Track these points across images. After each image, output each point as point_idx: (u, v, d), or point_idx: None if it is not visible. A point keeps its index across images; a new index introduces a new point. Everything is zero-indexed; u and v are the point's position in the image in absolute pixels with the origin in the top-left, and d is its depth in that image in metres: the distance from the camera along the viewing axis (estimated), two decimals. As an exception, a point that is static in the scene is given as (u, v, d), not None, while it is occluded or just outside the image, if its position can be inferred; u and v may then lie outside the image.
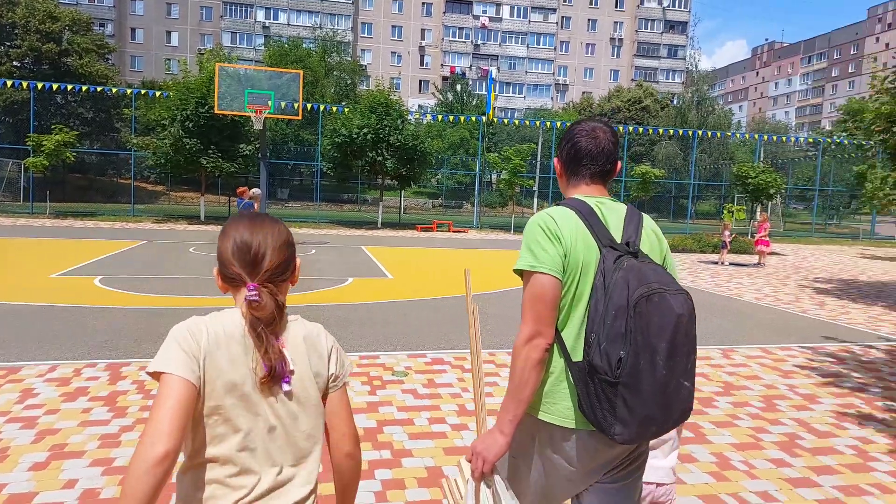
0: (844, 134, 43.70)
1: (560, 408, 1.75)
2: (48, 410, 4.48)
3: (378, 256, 15.48)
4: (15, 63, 37.62)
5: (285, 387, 1.38)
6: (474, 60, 67.58)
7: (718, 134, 36.11)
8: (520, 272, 1.77)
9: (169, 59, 55.83)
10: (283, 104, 19.36)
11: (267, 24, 60.89)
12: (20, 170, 29.34)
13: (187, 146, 23.26)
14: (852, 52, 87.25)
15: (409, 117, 27.44)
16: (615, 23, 70.68)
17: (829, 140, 33.31)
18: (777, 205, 30.26)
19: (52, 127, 25.85)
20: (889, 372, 6.31)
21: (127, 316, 7.58)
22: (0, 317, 7.28)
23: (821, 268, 16.22)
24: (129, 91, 31.08)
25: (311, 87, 39.16)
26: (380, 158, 24.75)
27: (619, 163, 1.99)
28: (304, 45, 46.95)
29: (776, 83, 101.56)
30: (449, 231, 25.61)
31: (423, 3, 66.18)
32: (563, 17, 69.22)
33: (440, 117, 35.72)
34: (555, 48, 69.53)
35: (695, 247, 19.44)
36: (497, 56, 68.02)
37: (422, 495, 3.42)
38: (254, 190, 13.40)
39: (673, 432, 2.45)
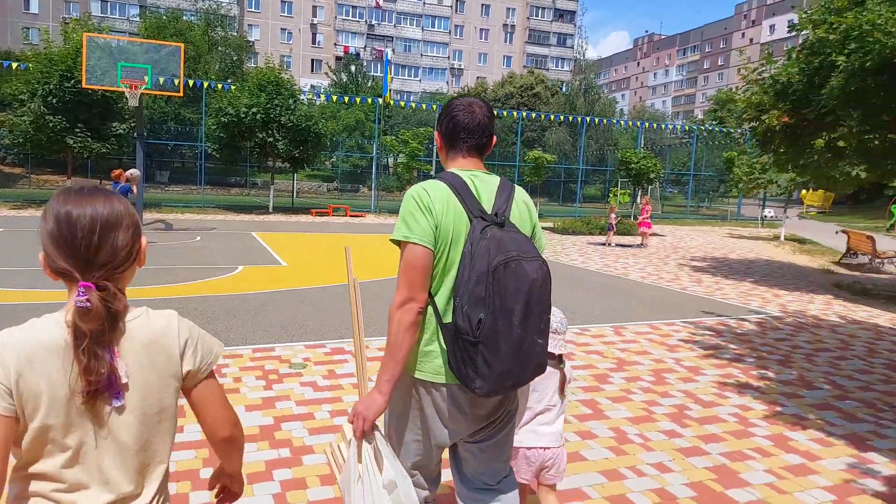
0: (714, 122, 47.46)
1: (433, 365, 1.92)
2: None
3: (270, 243, 14.80)
4: None
5: (116, 402, 1.23)
6: (369, 41, 66.40)
7: (605, 121, 37.92)
8: (397, 242, 1.90)
9: (27, 28, 50.20)
10: (161, 80, 17.93)
11: (142, -7, 56.26)
12: None
13: (50, 124, 21.00)
14: (722, 46, 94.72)
15: (302, 97, 26.41)
16: (507, 9, 72.04)
17: (701, 128, 35.98)
18: (656, 189, 32.30)
19: None
20: (761, 343, 6.85)
21: (-22, 314, 6.68)
22: None
23: (696, 247, 17.50)
24: (-23, 61, 27.53)
25: (193, 63, 36.65)
26: (270, 140, 23.65)
27: (495, 137, 2.10)
28: (184, 18, 43.82)
29: (655, 74, 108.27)
30: (346, 216, 25.07)
31: (315, -21, 64.00)
32: (457, 0, 69.54)
33: (334, 98, 34.75)
34: (450, 32, 69.78)
35: (584, 229, 20.31)
36: (392, 37, 67.23)
37: (325, 494, 3.23)
38: (130, 171, 12.32)
39: (557, 399, 2.67)
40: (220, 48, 44.91)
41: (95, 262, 1.21)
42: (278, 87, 23.91)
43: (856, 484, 3.63)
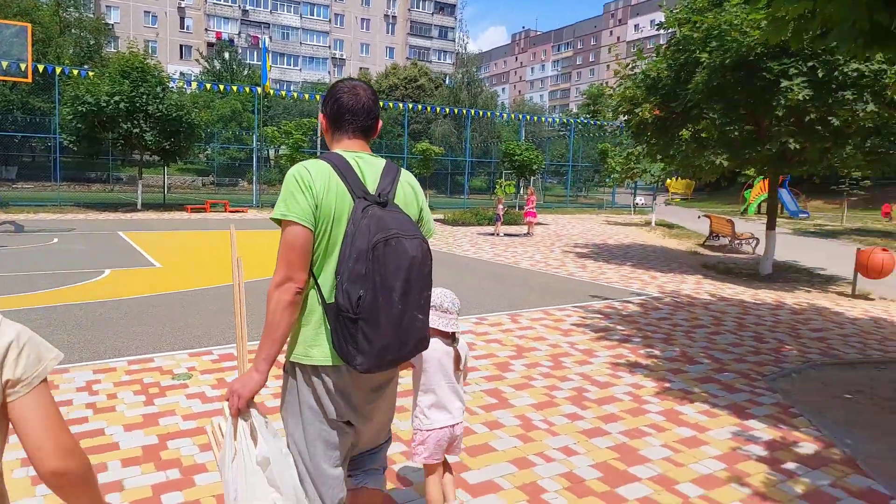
0: (588, 116, 50.11)
1: (320, 349, 1.92)
2: None
3: (141, 243, 13.63)
4: None
5: None
6: (243, 27, 63.26)
7: (489, 114, 38.83)
8: (277, 221, 1.88)
9: None
10: (4, 64, 15.89)
11: (-26, -35, 49.67)
12: None
13: None
14: (592, 43, 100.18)
15: (172, 85, 24.55)
16: None
17: (578, 121, 37.84)
18: (538, 180, 33.62)
19: None
20: (645, 323, 7.25)
21: None
22: None
23: (577, 234, 18.36)
24: None
25: (42, 46, 32.99)
26: (136, 131, 21.77)
27: (381, 121, 2.13)
28: (29, -5, 39.26)
29: (532, 68, 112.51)
30: (225, 211, 23.73)
31: (181, -41, 59.86)
32: (336, -12, 68.06)
33: (208, 86, 32.72)
34: (329, 20, 68.14)
35: (473, 220, 20.66)
36: (269, 24, 64.51)
37: (222, 517, 2.94)
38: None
39: (454, 380, 2.72)
40: (73, 30, 40.75)
41: None
42: (144, 74, 22.05)
43: (741, 451, 3.89)
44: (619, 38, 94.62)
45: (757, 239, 14.57)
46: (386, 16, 71.73)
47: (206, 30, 61.47)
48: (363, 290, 1.78)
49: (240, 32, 62.72)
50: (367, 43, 71.31)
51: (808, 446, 3.98)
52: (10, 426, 1.19)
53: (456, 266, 11.43)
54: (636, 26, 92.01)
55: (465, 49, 58.77)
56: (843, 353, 6.13)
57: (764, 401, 4.78)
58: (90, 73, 23.14)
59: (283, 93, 31.57)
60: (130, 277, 9.27)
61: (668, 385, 5.08)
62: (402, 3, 72.38)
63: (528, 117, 39.33)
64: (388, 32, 72.47)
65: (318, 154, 28.42)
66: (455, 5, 76.00)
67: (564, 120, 41.76)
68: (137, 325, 6.43)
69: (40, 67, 22.32)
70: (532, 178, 28.28)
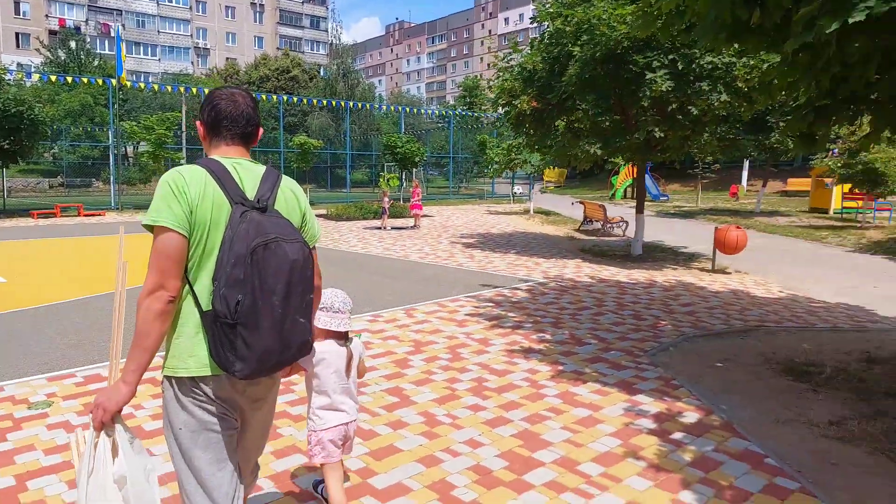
0: (465, 108, 51.03)
1: (196, 360, 1.87)
2: None
3: (-17, 254, 12.01)
4: None
5: None
6: (91, 14, 57.73)
7: (367, 106, 38.31)
8: (149, 227, 1.83)
9: None
10: None
11: None
12: None
13: None
14: (465, 36, 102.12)
15: (8, 77, 21.82)
16: (254, -13, 68.42)
17: (456, 113, 38.42)
18: (420, 172, 33.79)
19: None
20: (534, 308, 7.47)
21: None
22: None
23: (462, 225, 18.66)
24: None
25: None
26: (-32, 128, 19.15)
27: (261, 128, 2.12)
28: None
29: (408, 60, 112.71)
30: (79, 215, 21.53)
31: (10, -65, 53.37)
32: (196, -27, 63.95)
33: (53, 79, 29.49)
34: (190, 8, 63.94)
35: (358, 214, 20.33)
36: (121, 11, 59.35)
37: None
38: None
39: (347, 380, 2.78)
40: None
41: None
42: (-28, 64, 19.39)
43: (633, 426, 4.09)
44: (490, 31, 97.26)
45: (626, 222, 15.58)
46: (253, 4, 68.55)
47: (46, 16, 55.42)
48: (241, 295, 1.76)
49: (87, 19, 57.19)
50: (232, 32, 67.78)
51: (690, 415, 4.26)
52: None
53: (345, 263, 11.16)
54: (506, 20, 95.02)
55: (339, 40, 57.44)
56: (710, 325, 6.68)
57: (648, 375, 5.07)
58: None
59: (142, 85, 29.00)
60: (-31, 295, 8.10)
61: (561, 368, 5.25)
62: (270, -10, 69.52)
63: (408, 109, 39.34)
64: (255, 21, 69.32)
65: (184, 149, 26.66)
66: (326, -5, 74.23)
67: (443, 112, 42.24)
68: (-19, 351, 5.62)
69: None
70: (415, 170, 28.33)
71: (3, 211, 22.07)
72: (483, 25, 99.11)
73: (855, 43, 3.93)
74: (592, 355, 5.60)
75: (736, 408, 4.42)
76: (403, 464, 3.55)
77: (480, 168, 39.09)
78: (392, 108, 38.39)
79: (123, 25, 56.15)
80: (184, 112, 27.10)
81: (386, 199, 17.67)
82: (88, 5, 57.69)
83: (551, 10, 11.33)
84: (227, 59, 63.19)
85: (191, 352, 1.88)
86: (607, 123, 10.51)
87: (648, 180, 29.30)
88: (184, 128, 26.89)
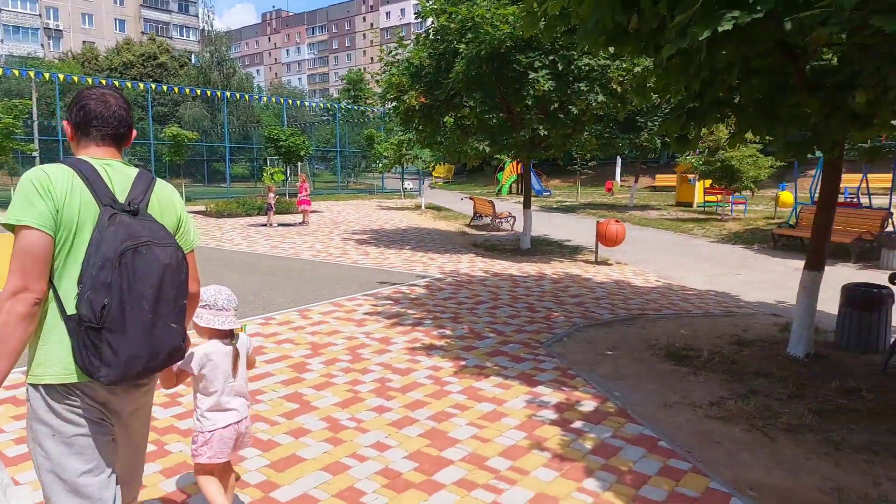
0: (350, 101, 50.22)
1: (64, 365, 1.81)
2: None
3: None
4: None
5: None
6: (-85, -16, 50.40)
7: (246, 97, 36.52)
8: (10, 227, 1.77)
9: None
10: None
11: None
12: None
13: None
14: (347, 28, 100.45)
15: None
16: (114, -35, 62.99)
17: (342, 106, 37.68)
18: (306, 166, 32.80)
19: None
20: (433, 304, 7.48)
21: None
22: None
23: (354, 221, 18.35)
24: None
25: None
26: None
27: (134, 130, 2.09)
28: None
29: (287, 50, 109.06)
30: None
31: None
32: (45, -54, 57.77)
33: None
34: (39, -16, 57.69)
35: (241, 211, 19.36)
36: (-47, -17, 52.36)
37: None
38: None
39: (235, 379, 2.71)
40: None
41: None
42: None
43: (536, 417, 4.20)
44: (372, 24, 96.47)
45: (514, 217, 16.08)
46: (113, -17, 63.13)
47: None
48: (108, 299, 1.73)
49: None
50: (89, 13, 62.08)
51: (588, 404, 4.45)
52: None
53: (230, 263, 10.57)
54: (388, 14, 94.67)
55: (212, 26, 54.21)
56: (598, 315, 7.03)
57: (546, 366, 5.24)
58: None
59: (-18, 67, 25.72)
60: None
61: (463, 363, 5.29)
62: (133, -31, 64.37)
63: (290, 101, 38.04)
64: (115, 3, 63.95)
65: (36, 141, 23.99)
66: (196, -23, 69.93)
67: (328, 105, 41.28)
68: None
69: None
70: (300, 164, 27.46)
71: None
72: (364, 18, 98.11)
73: (723, 51, 4.27)
74: (492, 349, 5.70)
75: (627, 393, 4.68)
76: (308, 473, 3.41)
77: (369, 163, 38.70)
78: (273, 99, 36.89)
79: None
80: (34, 99, 24.40)
81: (271, 195, 16.97)
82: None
83: (435, 7, 11.38)
84: (84, 42, 57.73)
85: (58, 357, 1.81)
86: (494, 121, 10.75)
87: (532, 176, 30.45)
88: (35, 116, 24.23)
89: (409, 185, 31.15)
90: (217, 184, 36.95)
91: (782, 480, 3.40)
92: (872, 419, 4.15)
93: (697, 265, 10.69)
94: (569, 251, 12.18)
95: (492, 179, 37.53)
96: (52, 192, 1.76)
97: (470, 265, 10.43)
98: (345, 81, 60.61)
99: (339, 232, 15.32)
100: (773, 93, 4.90)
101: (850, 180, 15.76)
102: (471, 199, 18.41)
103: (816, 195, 16.59)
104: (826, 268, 5.60)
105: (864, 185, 14.11)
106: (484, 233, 15.50)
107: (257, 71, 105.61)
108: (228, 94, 30.42)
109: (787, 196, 17.77)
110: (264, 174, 21.75)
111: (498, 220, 15.99)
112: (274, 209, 16.95)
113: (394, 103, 12.20)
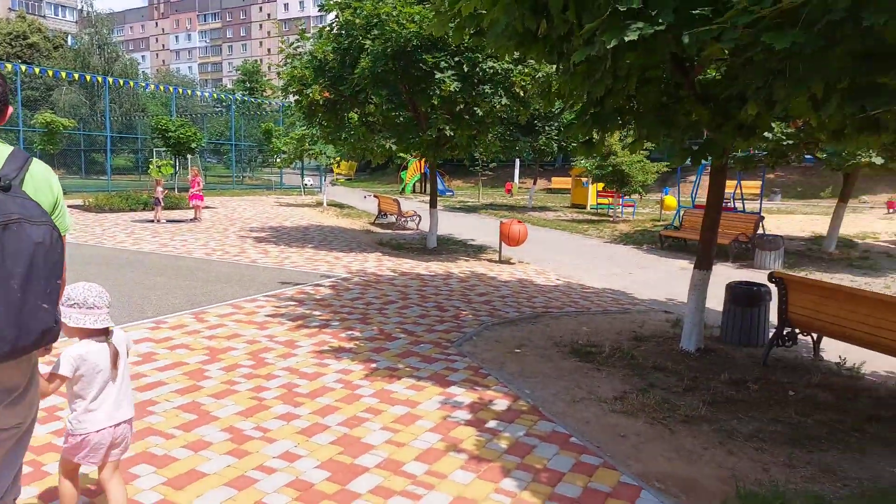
0: (245, 93, 48.15)
1: None
2: None
3: None
4: None
5: None
6: None
7: (132, 84, 33.94)
8: None
9: None
10: None
11: None
12: None
13: None
14: (242, 18, 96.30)
15: None
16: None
17: (238, 98, 35.97)
18: (197, 159, 31.03)
19: None
20: (340, 305, 7.26)
21: None
22: None
23: (251, 218, 17.55)
24: None
25: None
26: None
27: (11, 107, 2.01)
28: None
29: (177, 37, 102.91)
30: None
31: None
32: None
33: None
34: None
35: (124, 205, 17.96)
36: None
37: None
38: None
39: (113, 378, 2.59)
40: None
41: None
42: None
43: (451, 418, 4.17)
44: (269, 14, 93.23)
45: (419, 216, 16.07)
46: (-26, -50, 56.67)
47: None
48: None
49: None
50: (-55, -18, 55.37)
51: (500, 402, 4.48)
52: None
53: (113, 261, 9.74)
54: (286, 5, 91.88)
55: (91, 6, 50.01)
56: (505, 313, 7.14)
57: (458, 366, 5.23)
58: None
59: None
60: None
61: (374, 365, 5.16)
62: (-2, -64, 58.13)
63: (180, 90, 35.83)
64: (-22, -28, 57.46)
65: None
66: (74, -48, 64.24)
67: (222, 96, 39.30)
68: None
69: None
70: (191, 157, 25.95)
71: None
72: (261, 8, 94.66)
73: (627, 59, 4.44)
74: (403, 350, 5.61)
75: (537, 390, 4.76)
76: (210, 489, 3.17)
77: (266, 157, 37.26)
78: (161, 87, 34.58)
79: None
80: None
81: (159, 189, 15.86)
82: None
83: (339, 1, 11.13)
84: (-62, 14, 51.39)
85: None
86: (401, 119, 10.67)
87: (429, 175, 30.65)
88: None
89: (309, 181, 30.35)
90: (97, 176, 34.12)
91: (684, 470, 3.58)
92: (758, 409, 4.48)
93: (594, 264, 11.17)
94: (473, 250, 12.32)
95: (395, 178, 37.42)
96: None
97: (377, 264, 10.27)
98: (240, 72, 58.09)
99: (236, 229, 14.59)
100: (669, 102, 5.18)
101: (725, 186, 17.15)
102: (375, 197, 18.20)
103: (697, 199, 17.91)
104: (710, 267, 6.00)
105: (738, 191, 15.40)
106: (389, 231, 15.36)
107: (143, 57, 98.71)
108: (111, 80, 28.16)
109: (671, 200, 19.04)
110: (151, 167, 20.30)
111: (403, 219, 15.91)
112: (162, 204, 15.87)
113: (296, 97, 11.78)
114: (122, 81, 29.86)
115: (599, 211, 21.84)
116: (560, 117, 20.64)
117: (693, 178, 20.33)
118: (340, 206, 22.68)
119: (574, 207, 23.93)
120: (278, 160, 25.92)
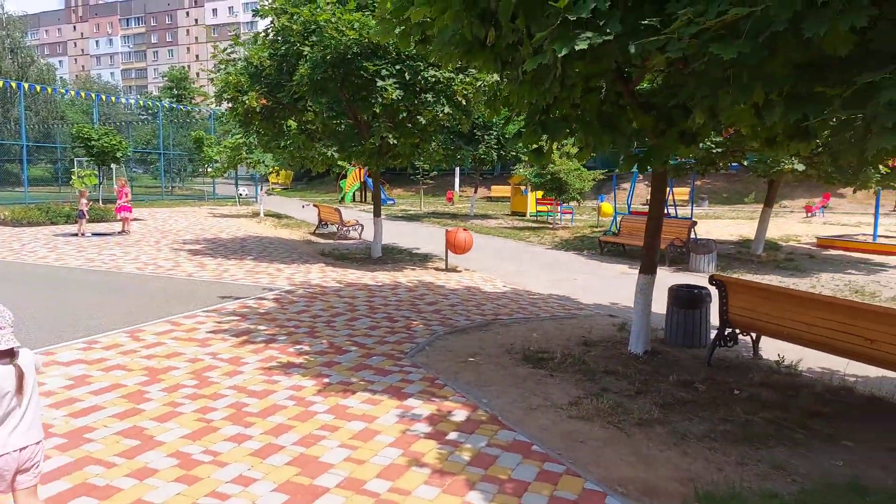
0: (173, 100, 46.37)
1: None
2: None
3: None
4: None
5: None
6: None
7: (50, 90, 32.01)
8: None
9: None
10: None
11: None
12: None
13: None
14: (168, 22, 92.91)
15: None
16: None
17: (165, 105, 34.56)
18: (123, 169, 29.57)
19: None
20: (286, 318, 7.02)
21: None
22: None
23: (184, 230, 16.82)
24: None
25: None
26: None
27: None
28: None
29: (97, 41, 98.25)
30: None
31: None
32: None
33: None
34: None
35: (44, 218, 16.86)
36: None
37: None
38: None
39: (21, 401, 2.44)
40: None
41: None
42: None
43: (410, 431, 4.08)
44: (196, 20, 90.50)
45: (362, 225, 15.85)
46: None
47: None
48: None
49: None
50: None
51: (460, 413, 4.42)
52: None
53: (34, 278, 9.11)
54: (215, 11, 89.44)
55: (3, 8, 47.00)
56: (456, 322, 7.10)
57: (413, 377, 5.14)
58: None
59: None
60: None
61: (326, 380, 5.00)
62: None
63: (103, 97, 34.10)
64: None
65: None
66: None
67: (148, 103, 37.68)
68: None
69: None
70: (116, 167, 24.71)
71: None
72: (188, 13, 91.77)
73: (576, 69, 4.52)
74: (356, 363, 5.47)
75: (494, 399, 4.74)
76: (158, 522, 2.96)
77: (196, 167, 35.96)
78: (82, 94, 32.82)
79: None
80: None
81: (84, 201, 14.97)
82: None
83: (275, 6, 10.87)
84: None
85: None
86: (342, 127, 10.49)
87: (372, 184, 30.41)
88: None
89: (243, 191, 29.46)
90: (12, 188, 31.99)
91: (644, 474, 3.62)
92: (707, 409, 4.61)
93: (538, 271, 11.31)
94: (419, 259, 12.25)
95: (334, 187, 36.89)
96: None
97: (321, 275, 10.02)
98: (167, 79, 55.95)
99: (168, 242, 13.95)
100: (613, 110, 5.30)
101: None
102: (315, 206, 17.84)
103: (632, 206, 18.47)
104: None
105: (671, 197, 16.00)
106: (331, 241, 15.06)
107: (60, 62, 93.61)
108: (26, 85, 26.48)
109: (607, 206, 19.59)
110: (73, 178, 19.16)
111: (345, 229, 15.65)
112: (87, 217, 14.98)
113: (231, 104, 11.39)
114: (38, 87, 28.11)
115: (539, 218, 22.22)
116: (498, 126, 20.90)
117: (627, 185, 21.03)
118: (278, 216, 22.13)
119: (514, 215, 24.26)
120: (210, 170, 25.03)
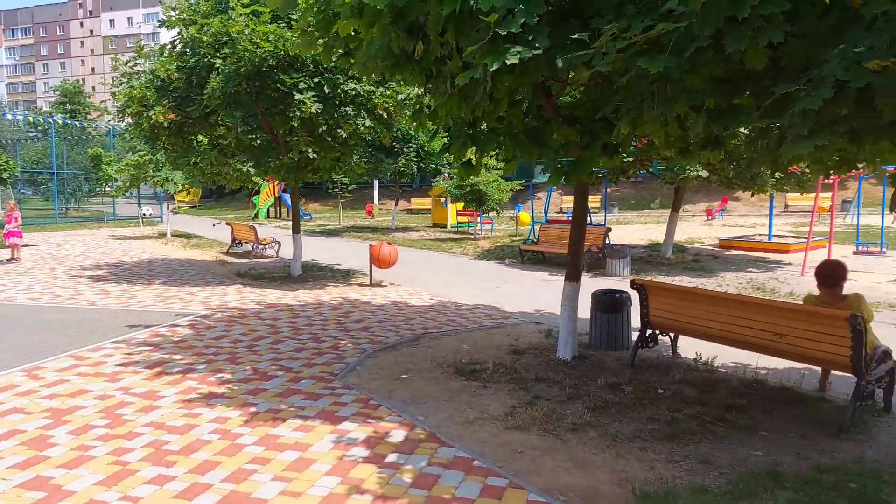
0: (66, 115, 43.37)
1: None
2: None
3: None
4: None
5: None
6: None
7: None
8: None
9: None
10: None
11: None
12: None
13: None
14: (59, 34, 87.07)
15: None
16: None
17: (58, 122, 32.21)
18: (10, 191, 27.25)
19: None
20: (203, 346, 6.63)
21: None
22: None
23: (82, 254, 15.65)
24: None
25: None
26: None
27: None
28: None
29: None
30: None
31: None
32: None
33: None
34: None
35: (-84, 247, 15.20)
36: None
37: None
38: None
39: None
40: None
41: None
42: None
43: (347, 457, 3.93)
44: (91, 31, 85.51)
45: (279, 243, 15.36)
46: None
47: None
48: None
49: None
50: None
51: (397, 433, 4.31)
52: None
53: None
54: (112, 21, 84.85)
55: None
56: (385, 338, 6.97)
57: (346, 400, 4.98)
58: None
59: None
60: None
61: (253, 409, 4.75)
62: None
63: (-16, 113, 31.34)
64: None
65: None
66: None
67: (38, 119, 35.02)
68: None
69: None
70: (3, 189, 22.73)
71: None
72: (82, 24, 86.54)
73: (505, 83, 4.57)
74: (284, 388, 5.24)
75: (431, 415, 4.66)
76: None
77: (94, 186, 33.71)
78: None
79: None
80: None
81: (-35, 227, 13.64)
82: None
83: (183, 17, 10.39)
84: None
85: None
86: (258, 142, 10.14)
87: (290, 199, 29.65)
88: None
89: (147, 210, 27.86)
90: None
91: (583, 479, 3.66)
92: (635, 409, 4.75)
93: (462, 281, 11.37)
94: (342, 275, 12.00)
95: (245, 203, 35.67)
96: None
97: (239, 297, 9.59)
98: (59, 93, 52.36)
99: (65, 268, 12.92)
100: (537, 123, 5.41)
101: (568, 201, 18.43)
102: (227, 224, 17.12)
103: (549, 215, 18.96)
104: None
105: (584, 204, 16.56)
106: (246, 261, 14.49)
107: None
108: None
109: (525, 216, 20.05)
110: (-48, 201, 17.41)
111: (261, 247, 15.10)
112: (-30, 244, 13.65)
113: (136, 119, 10.75)
114: None
115: (460, 229, 22.42)
116: (418, 139, 20.95)
117: (543, 194, 21.61)
118: (187, 236, 21.08)
119: (435, 227, 24.35)
120: (110, 189, 23.53)
